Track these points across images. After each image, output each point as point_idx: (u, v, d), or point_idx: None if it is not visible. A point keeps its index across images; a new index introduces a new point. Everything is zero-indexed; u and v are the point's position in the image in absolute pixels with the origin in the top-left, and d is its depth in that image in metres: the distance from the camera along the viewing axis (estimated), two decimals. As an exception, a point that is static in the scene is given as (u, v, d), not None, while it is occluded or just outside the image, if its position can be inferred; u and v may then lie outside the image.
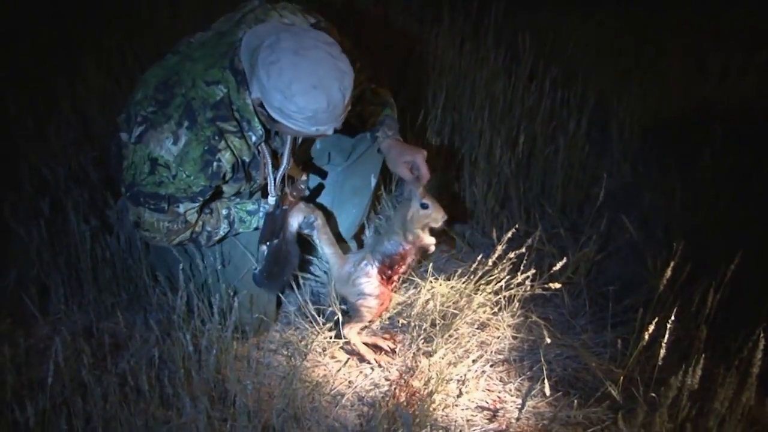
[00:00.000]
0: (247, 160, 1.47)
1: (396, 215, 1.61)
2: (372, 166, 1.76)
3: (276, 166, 1.52)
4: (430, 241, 1.60)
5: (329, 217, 1.73)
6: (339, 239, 1.71)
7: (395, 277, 1.63)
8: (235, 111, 1.39)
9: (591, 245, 1.83)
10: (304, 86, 1.26)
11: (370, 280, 1.59)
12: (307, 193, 1.62)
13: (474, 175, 2.12)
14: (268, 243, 1.55)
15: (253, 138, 1.43)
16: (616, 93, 2.43)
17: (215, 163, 1.40)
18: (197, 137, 1.36)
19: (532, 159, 2.17)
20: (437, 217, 1.56)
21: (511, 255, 1.66)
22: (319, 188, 1.78)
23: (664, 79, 2.50)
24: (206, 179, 1.41)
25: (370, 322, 1.66)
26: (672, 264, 1.47)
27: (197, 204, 1.46)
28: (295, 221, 1.53)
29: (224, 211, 1.53)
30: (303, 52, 1.26)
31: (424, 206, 1.56)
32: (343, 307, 1.65)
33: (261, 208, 1.56)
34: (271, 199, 1.54)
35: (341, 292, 1.61)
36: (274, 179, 1.52)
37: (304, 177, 1.60)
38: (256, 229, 1.58)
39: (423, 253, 1.64)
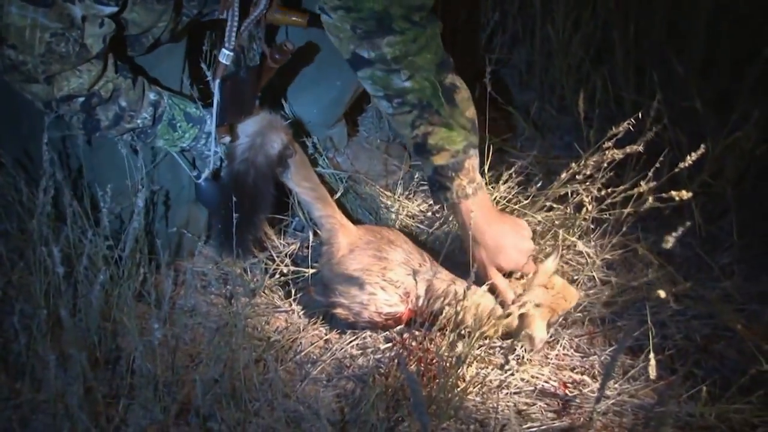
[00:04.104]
0: None
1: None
2: None
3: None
4: (537, 334, 1.49)
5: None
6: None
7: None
8: None
9: (748, 130, 1.68)
10: None
11: (392, 304, 1.51)
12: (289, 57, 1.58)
13: (549, 5, 2.01)
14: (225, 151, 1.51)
15: None
16: None
17: None
18: None
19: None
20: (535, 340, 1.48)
21: (607, 143, 1.56)
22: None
23: None
24: None
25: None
26: None
27: (101, 7, 1.35)
28: (276, 140, 1.46)
29: (152, 96, 1.50)
30: None
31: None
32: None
33: (206, 122, 1.55)
34: (225, 54, 1.46)
35: (330, 283, 1.53)
36: (238, 20, 1.43)
37: (299, 20, 1.54)
38: (184, 151, 1.57)
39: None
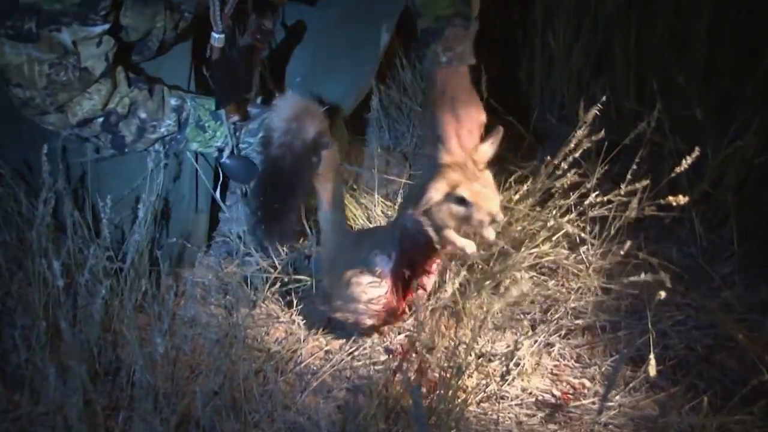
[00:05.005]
0: None
1: (416, 184, 1.52)
2: (386, 10, 1.68)
3: None
4: (465, 244, 1.44)
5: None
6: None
7: (418, 287, 1.50)
8: None
9: (749, 139, 1.66)
10: None
11: (375, 285, 1.47)
12: (272, 36, 1.58)
13: (550, 13, 2.00)
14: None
15: None
16: None
17: None
18: None
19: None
20: (482, 219, 1.37)
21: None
22: (297, 34, 1.70)
23: None
24: None
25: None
26: None
27: (90, 28, 1.36)
28: (311, 126, 1.44)
29: (174, 101, 1.51)
30: None
31: (459, 201, 1.37)
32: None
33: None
34: (215, 37, 1.46)
35: (325, 284, 1.53)
36: (220, 1, 1.43)
37: None
38: (220, 151, 1.58)
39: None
